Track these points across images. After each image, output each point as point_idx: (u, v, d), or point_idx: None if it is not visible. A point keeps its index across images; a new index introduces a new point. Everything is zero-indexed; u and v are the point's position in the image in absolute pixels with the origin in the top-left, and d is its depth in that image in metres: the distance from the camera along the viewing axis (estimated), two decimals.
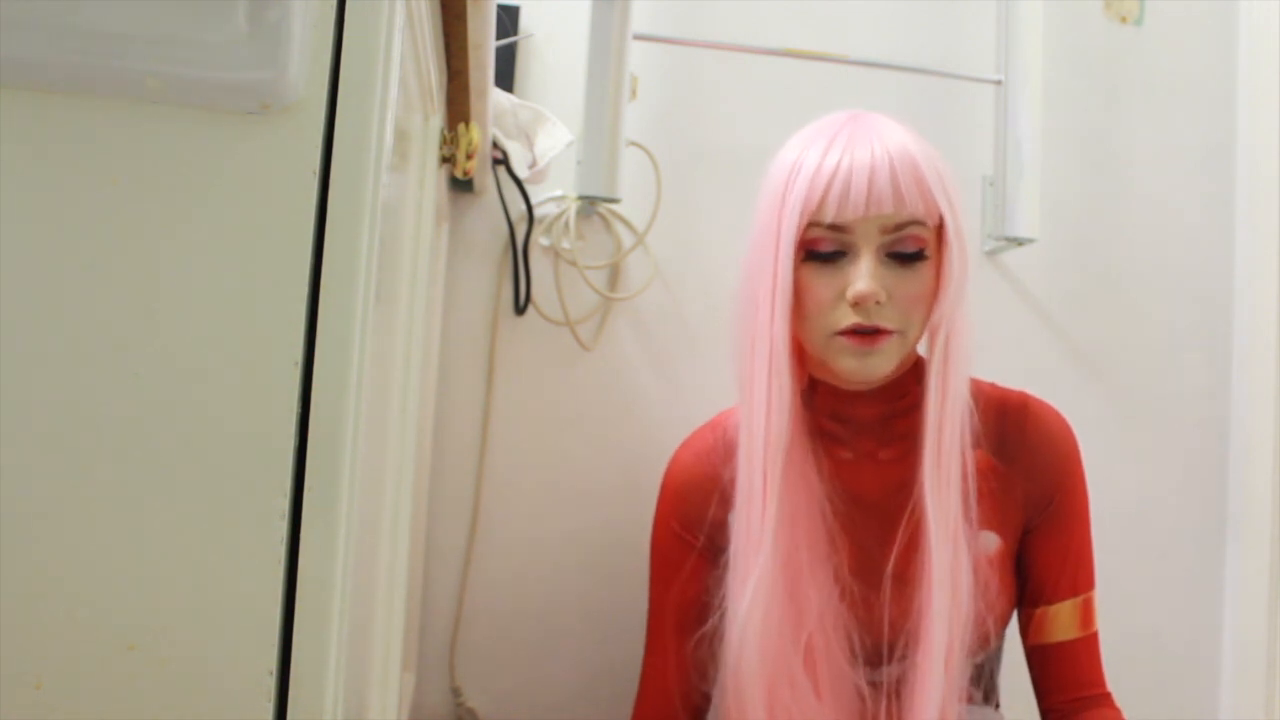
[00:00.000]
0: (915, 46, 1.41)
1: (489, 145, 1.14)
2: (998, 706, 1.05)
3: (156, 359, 0.43)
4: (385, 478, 0.69)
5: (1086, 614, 0.97)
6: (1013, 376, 1.01)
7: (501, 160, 1.23)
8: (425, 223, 0.81)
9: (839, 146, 0.86)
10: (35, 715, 0.42)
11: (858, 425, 0.95)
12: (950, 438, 0.87)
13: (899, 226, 0.85)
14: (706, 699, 1.00)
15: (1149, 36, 1.48)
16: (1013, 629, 1.01)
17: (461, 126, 0.91)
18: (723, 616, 0.92)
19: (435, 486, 1.27)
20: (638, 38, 1.26)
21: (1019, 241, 1.35)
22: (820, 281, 0.87)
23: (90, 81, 0.43)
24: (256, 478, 0.43)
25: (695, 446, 1.02)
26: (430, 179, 0.82)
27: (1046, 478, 0.96)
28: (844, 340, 0.87)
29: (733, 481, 0.92)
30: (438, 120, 0.85)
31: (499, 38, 1.23)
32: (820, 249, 0.86)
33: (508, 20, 1.29)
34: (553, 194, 1.32)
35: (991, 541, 0.94)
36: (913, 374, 0.94)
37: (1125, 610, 1.38)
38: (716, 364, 1.25)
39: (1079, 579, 0.97)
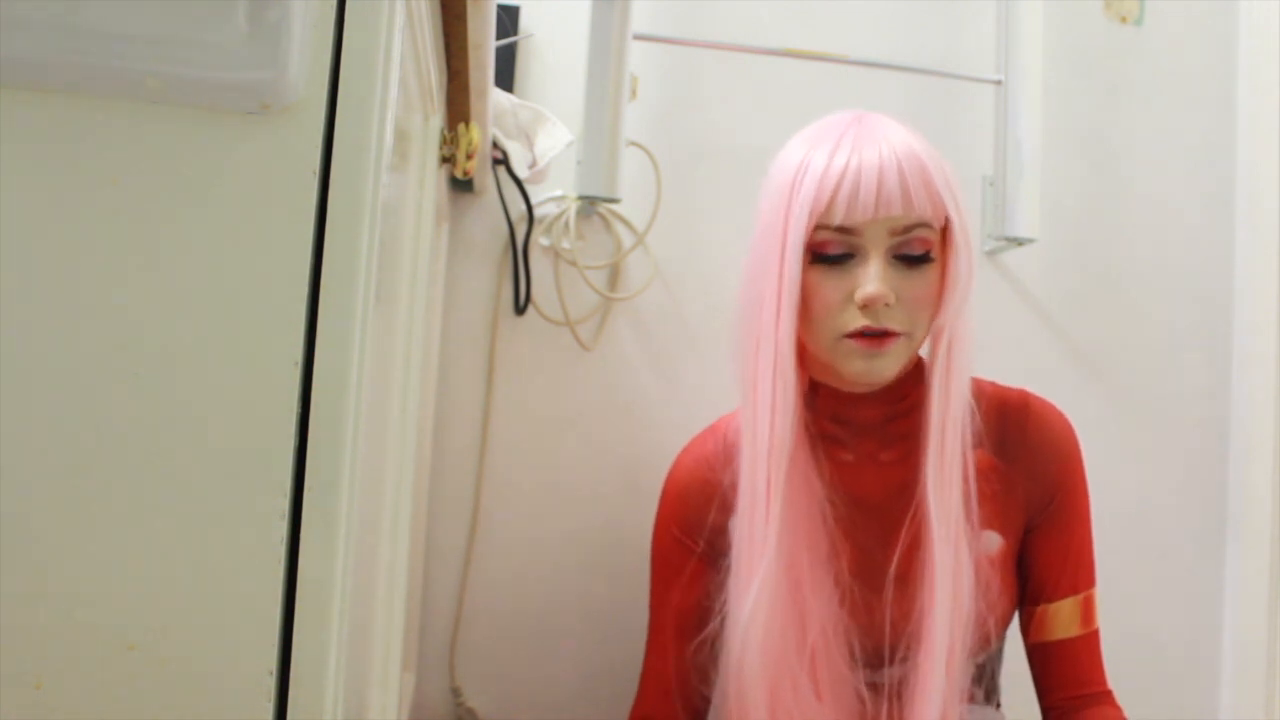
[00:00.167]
0: (915, 46, 1.41)
1: (489, 145, 1.14)
2: (999, 706, 1.05)
3: (156, 359, 0.43)
4: (385, 478, 0.69)
5: (1087, 612, 0.97)
6: (1013, 376, 1.01)
7: (501, 160, 1.23)
8: (425, 223, 0.81)
9: (846, 148, 0.85)
10: (35, 715, 0.42)
11: (859, 427, 0.95)
12: (952, 439, 0.87)
13: (907, 229, 0.85)
14: (706, 702, 1.00)
15: (1149, 36, 1.48)
16: (1014, 628, 1.01)
17: (461, 126, 0.91)
18: (723, 621, 0.92)
19: (435, 486, 1.27)
20: (638, 38, 1.26)
21: (1019, 241, 1.35)
22: (828, 284, 0.87)
23: (90, 81, 0.43)
24: (256, 478, 0.43)
25: (696, 451, 1.02)
26: (430, 179, 0.82)
27: (1048, 476, 0.96)
28: (852, 343, 0.86)
29: (733, 487, 0.91)
30: (438, 120, 0.85)
31: (499, 38, 1.23)
32: (828, 251, 0.86)
33: (508, 20, 1.29)
34: (553, 194, 1.32)
35: (993, 541, 0.94)
36: (913, 375, 0.94)
37: (1125, 610, 1.38)
38: (716, 364, 1.25)
39: (1079, 577, 0.97)
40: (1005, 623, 0.98)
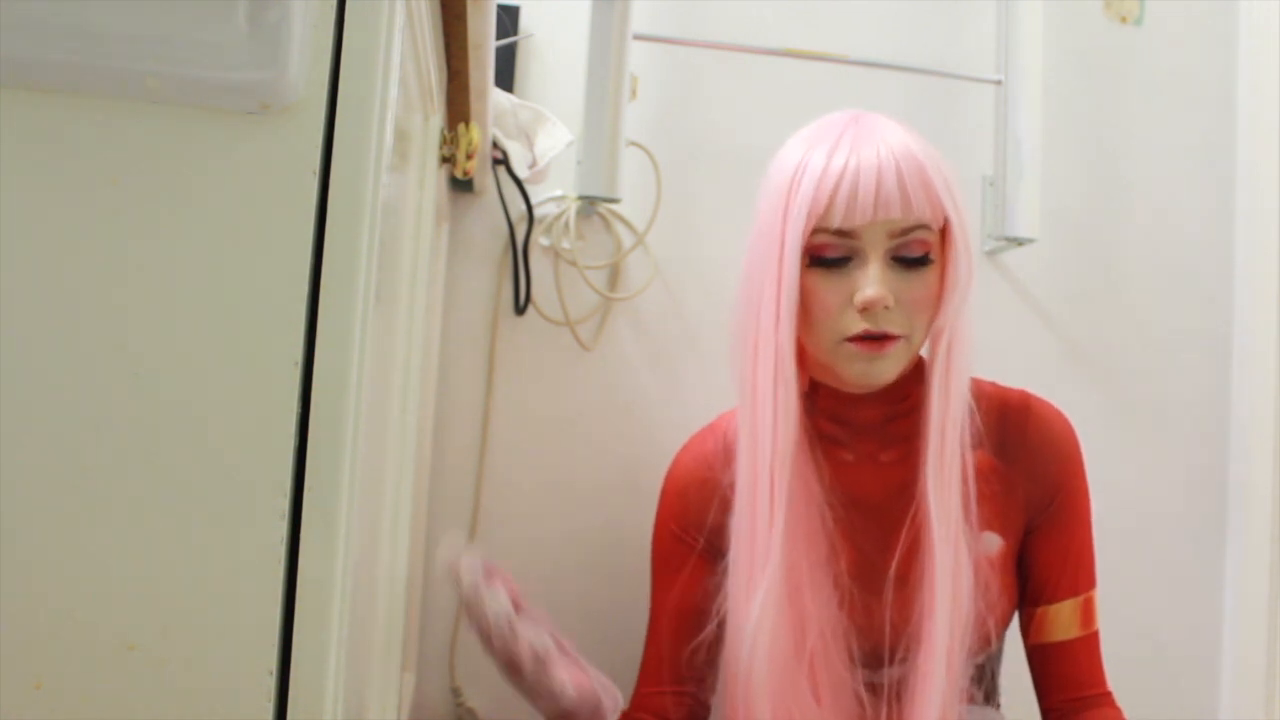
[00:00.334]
0: (915, 46, 1.41)
1: (489, 145, 1.14)
2: (998, 706, 1.05)
3: (156, 359, 0.43)
4: (385, 478, 0.69)
5: (1087, 613, 0.97)
6: (1013, 376, 1.01)
7: (501, 160, 1.23)
8: (425, 223, 0.81)
9: (844, 149, 0.85)
10: (35, 715, 0.42)
11: (859, 427, 0.94)
12: (952, 440, 0.87)
13: (905, 231, 0.85)
14: (702, 704, 1.00)
15: (1149, 36, 1.48)
16: (1013, 628, 1.01)
17: (461, 126, 0.91)
18: (722, 623, 0.92)
19: (435, 486, 1.27)
20: (638, 38, 1.26)
21: (1019, 241, 1.35)
22: (827, 287, 0.86)
23: (90, 81, 0.43)
24: (256, 478, 0.43)
25: (695, 450, 1.02)
26: (430, 179, 0.82)
27: (1048, 478, 0.96)
28: (852, 347, 0.86)
29: (733, 486, 0.91)
30: (438, 120, 0.85)
31: (499, 38, 1.23)
32: (827, 255, 0.86)
33: (508, 20, 1.29)
34: (553, 194, 1.32)
35: (993, 542, 0.94)
36: (913, 375, 0.94)
37: (1125, 610, 1.38)
38: (716, 364, 1.25)
39: (1080, 578, 0.97)
40: (1005, 624, 0.98)
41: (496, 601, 0.81)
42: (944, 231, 0.88)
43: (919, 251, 0.86)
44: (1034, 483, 0.96)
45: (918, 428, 0.89)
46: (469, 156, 0.89)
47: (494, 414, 1.30)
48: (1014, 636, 1.01)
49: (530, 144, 1.25)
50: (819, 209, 0.84)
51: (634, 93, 1.34)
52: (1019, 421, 0.96)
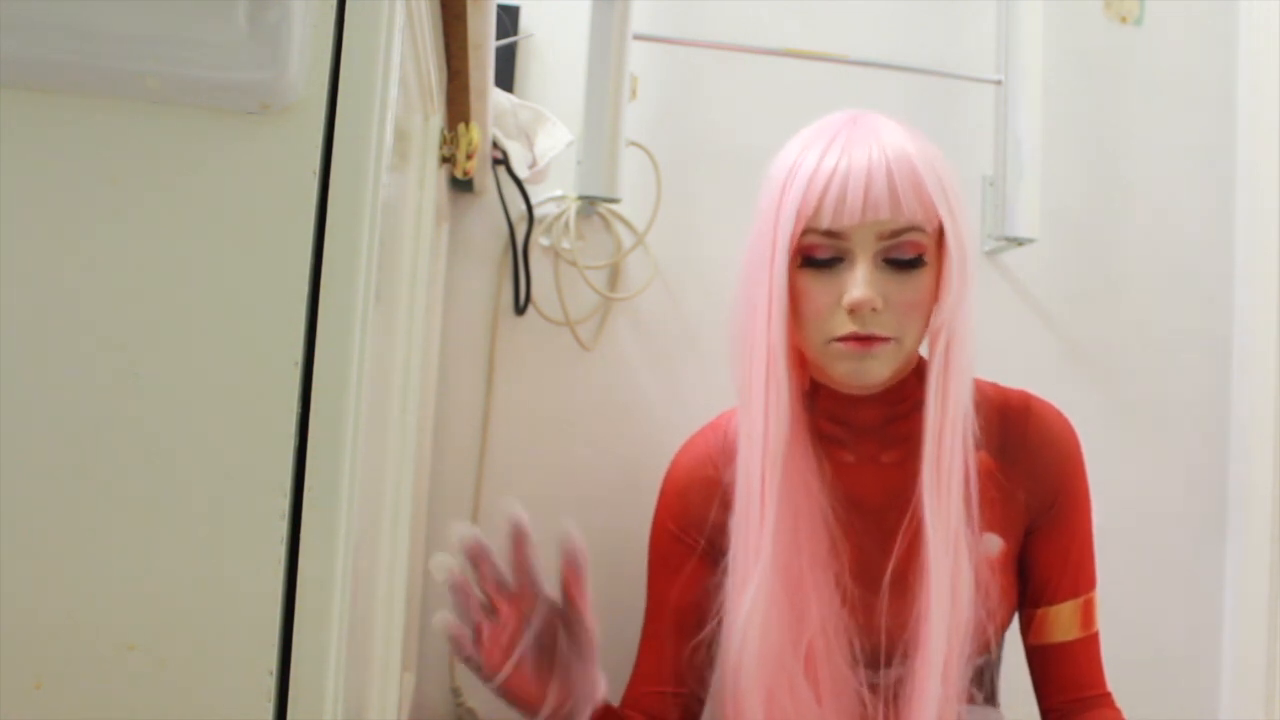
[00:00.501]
0: (915, 46, 1.41)
1: (489, 145, 1.14)
2: (998, 706, 1.05)
3: (156, 359, 0.43)
4: (385, 478, 0.69)
5: (1087, 615, 0.96)
6: (1013, 376, 1.01)
7: (501, 160, 1.23)
8: (425, 223, 0.81)
9: (836, 150, 0.85)
10: (35, 715, 0.42)
11: (859, 428, 0.94)
12: (951, 444, 0.86)
13: (896, 233, 0.84)
14: (700, 703, 1.00)
15: (1149, 36, 1.48)
16: (1013, 629, 1.01)
17: (461, 126, 0.91)
18: (721, 622, 0.91)
19: (435, 486, 1.27)
20: (638, 38, 1.26)
21: (1019, 241, 1.35)
22: (817, 288, 0.86)
23: (90, 81, 0.43)
24: (256, 478, 0.43)
25: (696, 449, 1.01)
26: (430, 179, 0.82)
27: (1049, 479, 0.96)
28: (840, 346, 0.86)
29: (734, 484, 0.91)
30: (438, 120, 0.85)
31: (499, 38, 1.23)
32: (816, 255, 0.86)
33: (508, 20, 1.29)
34: (553, 194, 1.32)
35: (994, 544, 0.94)
36: (915, 376, 0.93)
37: (1125, 610, 1.38)
38: (716, 364, 1.25)
39: (1080, 580, 0.96)
40: (1005, 625, 0.98)
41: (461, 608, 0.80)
42: (940, 233, 0.87)
43: (910, 254, 0.85)
44: (1035, 484, 0.95)
45: (918, 430, 0.89)
46: (469, 156, 0.89)
47: (494, 414, 1.30)
48: (1014, 637, 1.01)
49: (530, 144, 1.25)
50: (808, 210, 0.84)
51: (634, 93, 1.34)
52: (1020, 423, 0.96)
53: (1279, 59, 1.46)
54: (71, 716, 0.42)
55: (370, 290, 0.46)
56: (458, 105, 0.95)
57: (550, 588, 0.81)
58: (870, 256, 0.85)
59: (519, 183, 1.25)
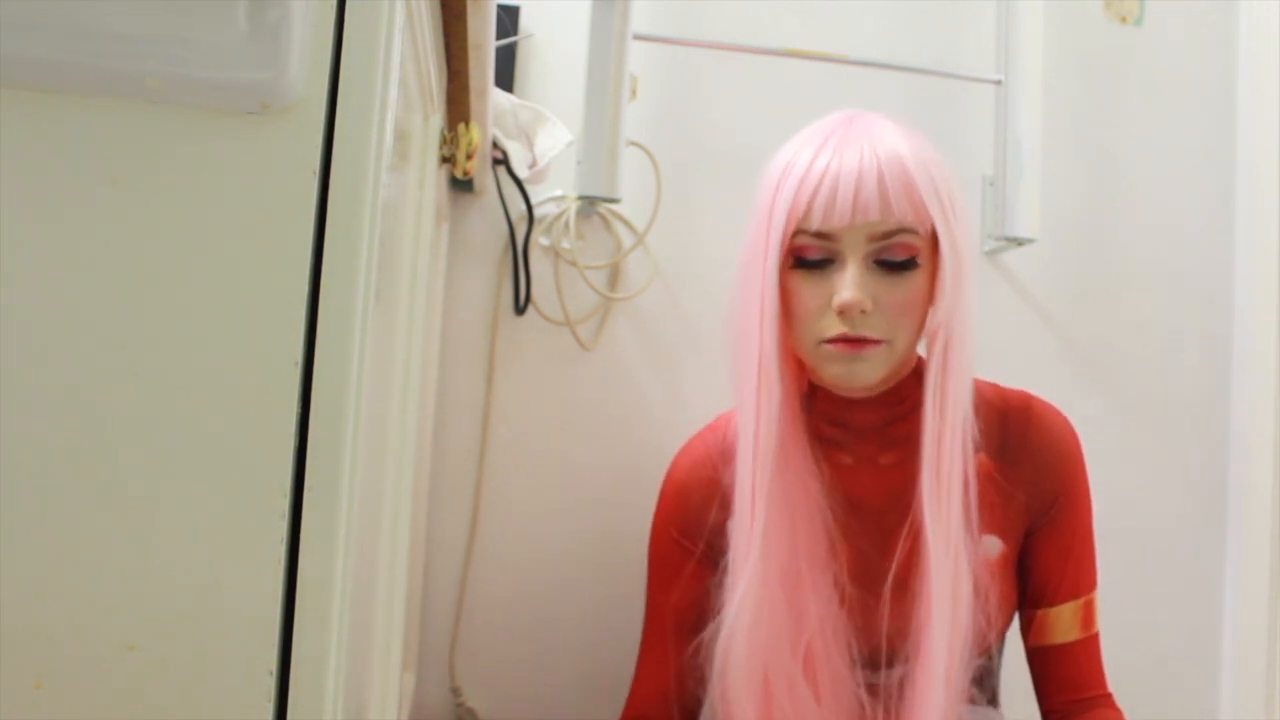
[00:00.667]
0: (915, 46, 1.41)
1: (489, 145, 1.14)
2: (998, 706, 1.05)
3: (156, 359, 0.43)
4: (385, 478, 0.69)
5: (1087, 616, 0.96)
6: (1013, 376, 1.01)
7: (501, 160, 1.23)
8: (425, 223, 0.81)
9: (828, 151, 0.85)
10: (35, 715, 0.42)
11: (857, 430, 0.94)
12: (950, 446, 0.86)
13: (886, 234, 0.84)
14: (701, 705, 1.00)
15: (1149, 36, 1.48)
16: (1014, 629, 1.01)
17: (461, 126, 0.91)
18: (719, 623, 0.91)
19: (435, 486, 1.27)
20: (638, 38, 1.26)
21: (1019, 241, 1.35)
22: (808, 289, 0.86)
23: (90, 81, 0.43)
24: (256, 478, 0.43)
25: (695, 450, 1.01)
26: (430, 179, 0.82)
27: (1049, 480, 0.95)
28: (830, 348, 0.86)
29: (733, 486, 0.91)
30: (438, 120, 0.85)
31: (499, 38, 1.23)
32: (807, 256, 0.86)
33: (508, 20, 1.29)
34: (553, 194, 1.32)
35: (994, 546, 0.94)
36: (913, 377, 0.93)
37: (1125, 610, 1.38)
38: (716, 364, 1.24)
39: (1080, 581, 0.96)
40: (1005, 627, 0.98)
41: None
42: (934, 235, 0.86)
43: (901, 256, 0.85)
44: (1035, 486, 0.95)
45: (917, 432, 0.88)
46: (469, 156, 0.89)
47: (494, 414, 1.30)
48: (1014, 638, 1.01)
49: (530, 144, 1.25)
50: (798, 211, 0.84)
51: (634, 93, 1.34)
52: (1020, 423, 0.96)
53: (1279, 59, 1.46)
54: (71, 716, 0.42)
55: (370, 290, 0.46)
56: (458, 105, 0.95)
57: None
58: (860, 258, 0.84)
59: (519, 183, 1.25)
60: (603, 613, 1.30)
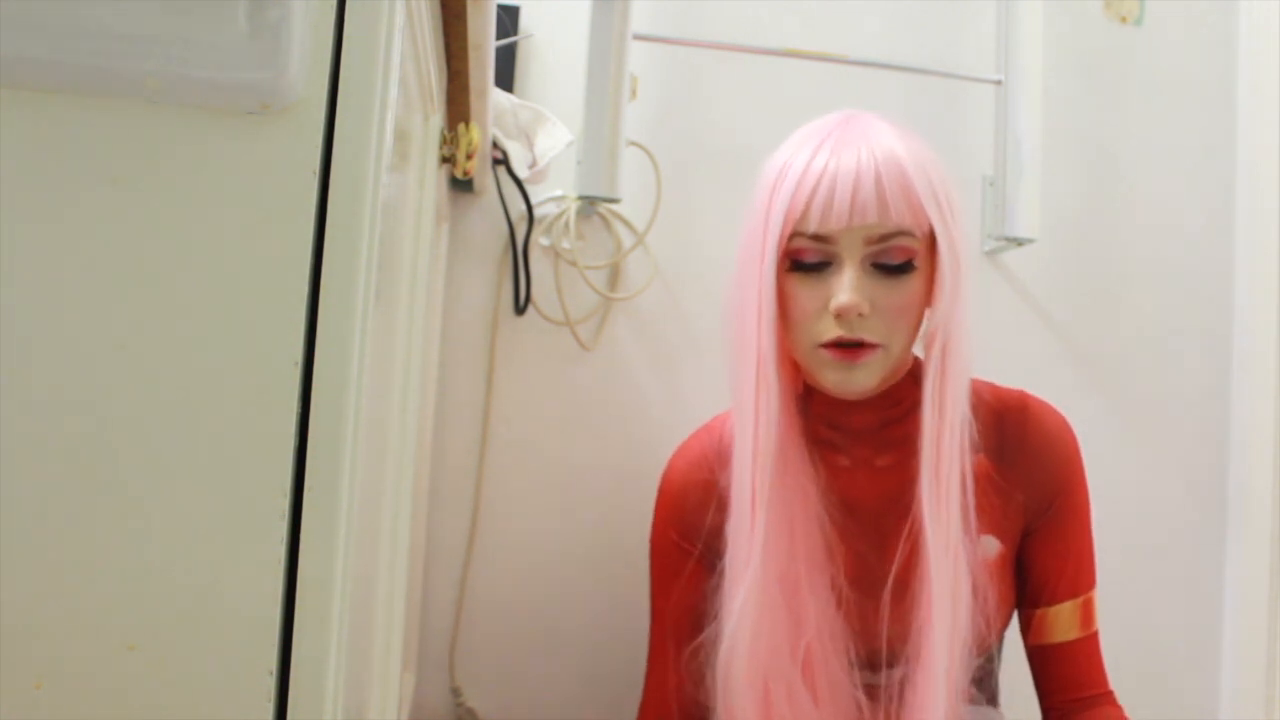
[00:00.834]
0: (915, 46, 1.41)
1: (489, 145, 1.14)
2: (998, 705, 1.05)
3: (156, 359, 0.43)
4: (385, 478, 0.69)
5: (1087, 614, 0.96)
6: (1013, 376, 1.00)
7: (501, 160, 1.23)
8: (425, 223, 0.81)
9: (825, 153, 0.84)
10: (35, 715, 0.42)
11: (853, 432, 0.94)
12: (948, 446, 0.86)
13: (884, 237, 0.84)
14: (705, 709, 1.00)
15: (1149, 36, 1.48)
16: (1013, 628, 1.01)
17: (461, 126, 0.91)
18: (718, 626, 0.91)
19: (435, 486, 1.27)
20: (638, 38, 1.26)
21: (1019, 241, 1.35)
22: (805, 292, 0.86)
23: (90, 81, 0.43)
24: (256, 478, 0.43)
25: (691, 451, 1.01)
26: (430, 179, 0.82)
27: (1047, 480, 0.95)
28: (826, 354, 0.85)
29: (729, 488, 0.91)
30: (438, 120, 0.85)
31: (499, 38, 1.23)
32: (805, 259, 0.85)
33: (508, 20, 1.29)
34: (553, 194, 1.32)
35: (992, 546, 0.94)
36: (910, 379, 0.93)
37: (1125, 610, 1.38)
38: (717, 364, 1.24)
39: (1080, 580, 0.96)
40: (1004, 627, 0.98)
41: None
42: (931, 237, 0.86)
43: (899, 259, 0.84)
44: (1032, 486, 0.95)
45: (914, 433, 0.88)
46: (469, 156, 0.89)
47: (494, 414, 1.30)
48: (1014, 637, 1.01)
49: (530, 144, 1.25)
50: (795, 213, 0.84)
51: (634, 93, 1.34)
52: (1017, 424, 0.96)
53: (1279, 59, 1.46)
54: (71, 716, 0.42)
55: (370, 290, 0.46)
56: (458, 105, 0.95)
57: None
58: (858, 261, 0.84)
59: (519, 183, 1.25)
60: (603, 612, 1.30)
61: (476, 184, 1.24)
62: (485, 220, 1.31)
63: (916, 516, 0.86)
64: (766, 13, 1.38)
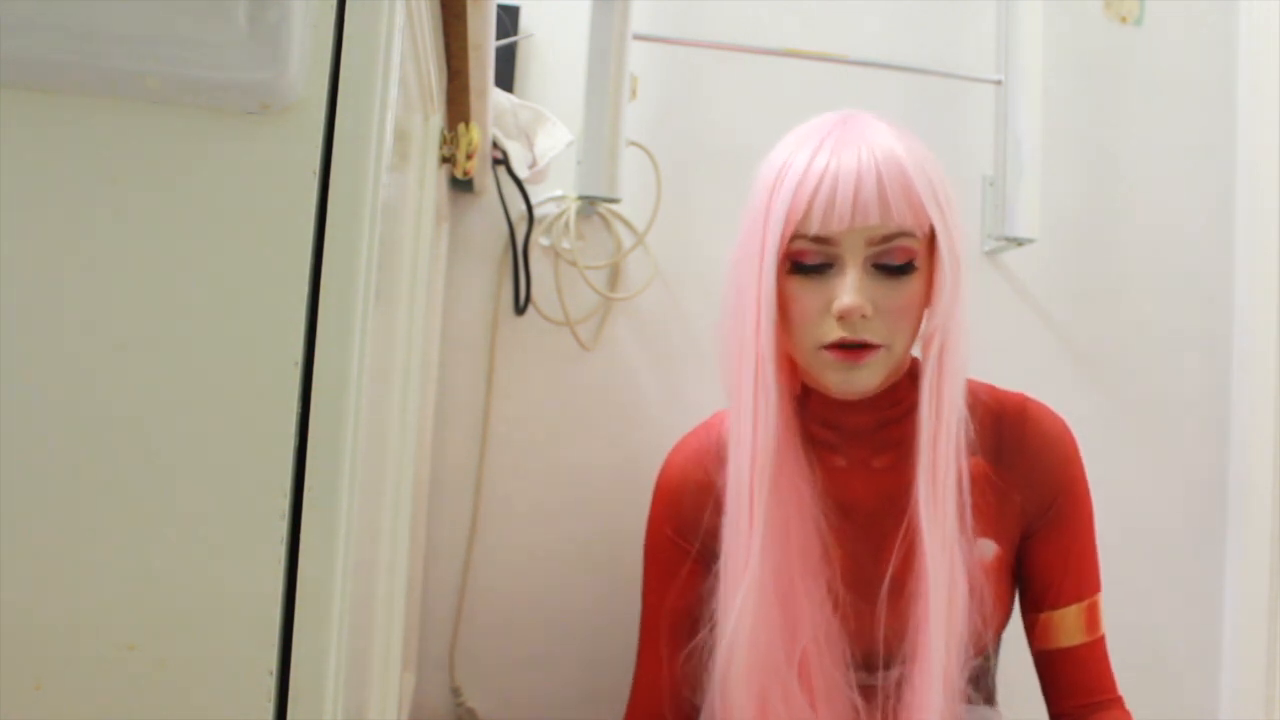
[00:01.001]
0: (915, 46, 1.41)
1: (489, 145, 1.14)
2: (995, 705, 1.04)
3: (156, 359, 0.43)
4: (385, 478, 0.69)
5: (1092, 618, 0.95)
6: (1012, 376, 1.00)
7: (501, 160, 1.23)
8: (425, 223, 0.81)
9: (825, 153, 0.84)
10: (35, 715, 0.42)
11: (850, 433, 0.93)
12: (945, 447, 0.85)
13: (886, 238, 0.83)
14: (697, 710, 1.00)
15: (1149, 36, 1.48)
16: (1013, 627, 1.00)
17: (461, 126, 0.91)
18: (714, 628, 0.91)
19: (435, 486, 1.27)
20: (638, 38, 1.26)
21: (1019, 241, 1.35)
22: (806, 294, 0.85)
23: (90, 81, 0.43)
24: (256, 478, 0.43)
25: (688, 450, 1.00)
26: (430, 179, 0.82)
27: (1045, 483, 0.95)
28: (829, 355, 0.85)
29: (726, 487, 0.90)
30: (438, 120, 0.85)
31: (499, 38, 1.23)
32: (805, 261, 0.85)
33: (508, 20, 1.29)
34: (553, 194, 1.32)
35: (988, 549, 0.93)
36: (908, 379, 0.93)
37: (1126, 610, 1.38)
38: (716, 364, 1.25)
39: (1083, 583, 0.95)
40: (1001, 629, 0.98)
41: None
42: (930, 238, 0.86)
43: (900, 260, 0.84)
44: (1031, 488, 0.94)
45: (910, 434, 0.88)
46: (469, 156, 0.89)
47: (494, 414, 1.30)
48: (1013, 637, 1.01)
49: (530, 144, 1.25)
50: (796, 215, 0.83)
51: (634, 93, 1.34)
52: (1015, 426, 0.95)
53: (1279, 59, 1.46)
54: (71, 716, 0.42)
55: (370, 290, 0.46)
56: (458, 105, 0.95)
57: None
58: (860, 262, 0.83)
59: (519, 183, 1.25)
60: (603, 612, 1.30)
61: (476, 184, 1.24)
62: (485, 220, 1.31)
63: (913, 517, 0.86)
64: (766, 13, 1.38)
